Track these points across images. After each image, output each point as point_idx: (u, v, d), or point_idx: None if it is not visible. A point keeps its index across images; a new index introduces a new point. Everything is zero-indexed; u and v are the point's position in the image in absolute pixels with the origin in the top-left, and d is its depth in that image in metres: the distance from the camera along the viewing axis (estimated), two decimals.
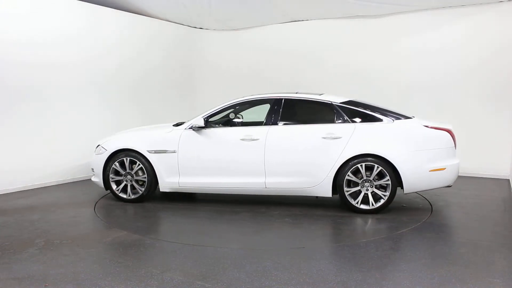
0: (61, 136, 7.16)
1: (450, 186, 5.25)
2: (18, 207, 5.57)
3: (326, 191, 5.15)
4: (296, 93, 5.74)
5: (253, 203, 5.62)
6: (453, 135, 5.16)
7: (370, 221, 4.81)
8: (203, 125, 5.49)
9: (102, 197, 6.09)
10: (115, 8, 8.03)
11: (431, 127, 5.13)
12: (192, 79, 9.95)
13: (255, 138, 5.31)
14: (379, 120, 5.20)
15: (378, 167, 4.96)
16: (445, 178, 5.08)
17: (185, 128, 5.61)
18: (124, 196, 5.77)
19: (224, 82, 9.93)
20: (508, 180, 7.02)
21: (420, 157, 4.99)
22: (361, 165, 5.01)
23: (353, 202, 5.07)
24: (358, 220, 4.84)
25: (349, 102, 5.40)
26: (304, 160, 5.20)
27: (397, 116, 5.28)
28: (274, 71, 9.33)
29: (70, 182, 7.20)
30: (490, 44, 7.31)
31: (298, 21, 9.07)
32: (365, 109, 5.31)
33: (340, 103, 5.37)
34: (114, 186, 5.80)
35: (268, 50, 9.46)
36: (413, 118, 5.31)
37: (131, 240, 4.22)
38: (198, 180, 5.55)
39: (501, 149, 7.28)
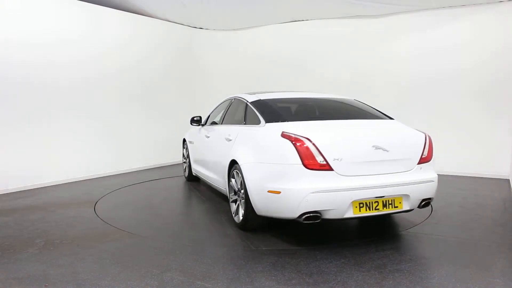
0: (61, 136, 7.16)
1: (301, 220, 3.70)
2: (18, 207, 5.57)
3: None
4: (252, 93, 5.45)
5: None
6: (304, 147, 3.69)
7: (370, 221, 4.81)
8: (191, 123, 6.51)
9: (102, 197, 6.10)
10: (115, 8, 8.04)
11: (284, 135, 3.88)
12: (191, 79, 9.95)
13: (208, 136, 5.89)
14: (258, 122, 4.44)
15: (240, 176, 4.30)
16: (283, 205, 3.76)
17: (199, 125, 6.55)
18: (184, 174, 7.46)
19: (224, 81, 9.93)
20: (508, 180, 7.02)
21: (261, 171, 3.99)
22: (235, 172, 4.47)
23: (232, 211, 4.65)
24: (358, 220, 4.84)
25: (256, 102, 4.81)
26: (216, 161, 5.27)
27: (282, 118, 4.30)
28: (274, 70, 9.33)
29: (70, 182, 7.20)
30: (490, 44, 7.31)
31: (298, 21, 9.07)
32: (258, 109, 4.62)
33: (250, 102, 4.86)
34: (184, 166, 7.51)
35: (268, 50, 9.46)
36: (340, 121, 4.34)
37: (131, 240, 4.21)
38: (197, 169, 6.54)
39: (501, 149, 7.28)
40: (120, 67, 8.15)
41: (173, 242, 4.16)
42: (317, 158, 3.68)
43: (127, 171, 8.27)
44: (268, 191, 3.85)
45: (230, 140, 4.83)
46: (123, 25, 8.24)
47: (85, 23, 7.51)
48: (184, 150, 7.40)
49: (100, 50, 7.76)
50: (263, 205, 3.99)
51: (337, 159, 3.71)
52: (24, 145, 6.62)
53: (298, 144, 3.72)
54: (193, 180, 7.16)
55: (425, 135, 4.24)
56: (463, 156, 7.65)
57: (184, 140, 7.42)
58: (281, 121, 4.24)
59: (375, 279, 3.23)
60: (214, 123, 6.03)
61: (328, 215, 3.72)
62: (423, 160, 4.08)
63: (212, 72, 10.11)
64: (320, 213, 3.70)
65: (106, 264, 3.57)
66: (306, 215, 3.68)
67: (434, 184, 4.14)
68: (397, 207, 3.90)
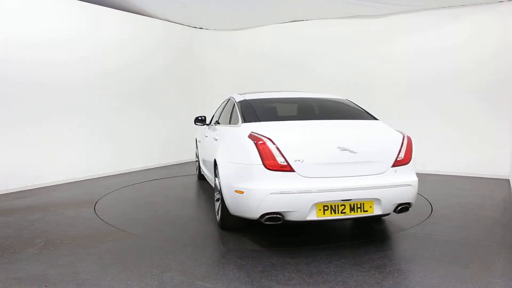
0: (61, 136, 7.16)
1: (263, 221, 3.68)
2: (18, 207, 5.57)
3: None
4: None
5: None
6: (264, 148, 3.67)
7: (370, 221, 4.81)
8: (195, 123, 6.32)
9: (102, 197, 6.09)
10: (115, 8, 8.04)
11: (250, 135, 3.86)
12: (191, 78, 9.95)
13: (206, 135, 5.89)
14: (237, 122, 4.46)
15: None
16: (246, 205, 3.74)
17: (203, 125, 6.45)
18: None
19: (223, 81, 9.93)
20: (508, 180, 7.02)
21: (231, 171, 4.00)
22: (217, 171, 4.45)
23: (215, 210, 4.65)
24: (357, 220, 4.84)
25: (241, 102, 4.77)
26: (208, 160, 5.38)
27: (255, 118, 4.29)
28: (274, 70, 9.34)
29: (70, 182, 7.20)
30: (490, 44, 7.31)
31: (298, 21, 9.07)
32: (241, 109, 4.58)
33: (236, 102, 4.83)
34: (196, 165, 7.51)
35: (268, 50, 9.47)
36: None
37: (131, 240, 4.21)
38: (202, 167, 6.58)
39: (501, 149, 7.28)
40: (120, 67, 8.15)
41: (173, 242, 4.16)
42: (277, 159, 3.63)
43: (127, 171, 8.27)
44: (235, 191, 3.83)
45: (217, 140, 4.90)
46: (123, 25, 8.24)
47: (85, 23, 7.51)
48: (196, 149, 7.49)
49: (101, 50, 7.76)
50: (233, 204, 3.96)
51: (299, 160, 3.64)
52: (24, 145, 6.62)
53: (259, 144, 3.70)
54: (203, 178, 7.13)
55: (403, 137, 4.04)
56: (463, 156, 7.65)
57: (196, 139, 7.51)
58: (257, 121, 4.22)
59: (375, 279, 3.23)
60: (217, 122, 6.04)
61: (290, 217, 3.66)
62: (398, 163, 3.89)
63: (212, 72, 10.11)
64: (281, 214, 3.65)
65: (106, 264, 3.57)
66: (267, 216, 3.65)
67: (412, 189, 3.91)
68: (367, 211, 3.75)
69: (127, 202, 5.93)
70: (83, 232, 4.47)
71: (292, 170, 3.63)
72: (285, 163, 3.62)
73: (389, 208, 3.87)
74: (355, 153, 3.74)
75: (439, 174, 7.69)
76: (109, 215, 5.18)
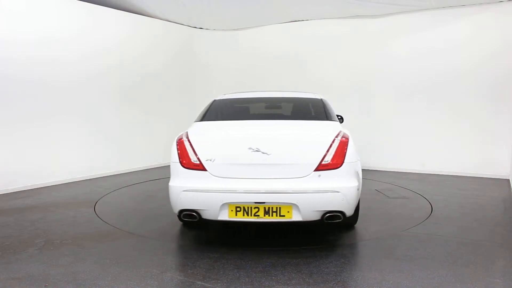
0: (61, 136, 7.16)
1: (182, 217, 3.86)
2: (18, 207, 5.57)
3: None
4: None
5: None
6: (182, 146, 3.79)
7: (368, 222, 4.81)
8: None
9: (102, 197, 6.10)
10: (115, 8, 8.04)
11: (181, 134, 3.98)
12: (191, 78, 9.95)
13: None
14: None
15: None
16: (171, 201, 3.88)
17: None
18: None
19: (223, 81, 9.93)
20: (508, 180, 7.02)
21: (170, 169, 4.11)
22: None
23: None
24: (358, 220, 4.84)
25: (213, 102, 4.84)
26: None
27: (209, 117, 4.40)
28: (274, 70, 9.34)
29: (70, 182, 7.20)
30: (490, 44, 7.32)
31: (298, 21, 9.07)
32: (207, 109, 4.70)
33: (210, 102, 4.90)
34: None
35: (268, 50, 9.47)
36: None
37: (131, 240, 4.22)
38: None
39: (501, 149, 7.28)
40: (120, 67, 8.15)
41: (173, 242, 4.16)
42: (191, 158, 3.73)
43: (127, 171, 8.27)
44: (183, 190, 3.82)
45: None
46: (123, 25, 8.24)
47: (86, 23, 7.51)
48: None
49: (101, 50, 7.75)
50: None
51: (210, 160, 3.67)
52: (24, 145, 6.62)
53: (178, 142, 3.85)
54: None
55: (333, 139, 3.69)
56: (463, 156, 7.65)
57: None
58: (202, 121, 4.36)
59: (375, 279, 3.23)
60: None
61: (204, 215, 3.71)
62: (323, 167, 3.59)
63: (212, 72, 10.11)
64: (196, 212, 3.71)
65: (106, 264, 3.57)
66: (184, 213, 3.77)
67: (340, 196, 3.57)
68: (284, 216, 3.57)
69: (127, 202, 5.93)
70: (83, 232, 4.47)
71: (204, 169, 3.68)
72: (198, 162, 3.70)
73: (312, 215, 3.60)
74: (268, 154, 3.60)
75: (439, 174, 7.69)
76: (109, 215, 5.18)
